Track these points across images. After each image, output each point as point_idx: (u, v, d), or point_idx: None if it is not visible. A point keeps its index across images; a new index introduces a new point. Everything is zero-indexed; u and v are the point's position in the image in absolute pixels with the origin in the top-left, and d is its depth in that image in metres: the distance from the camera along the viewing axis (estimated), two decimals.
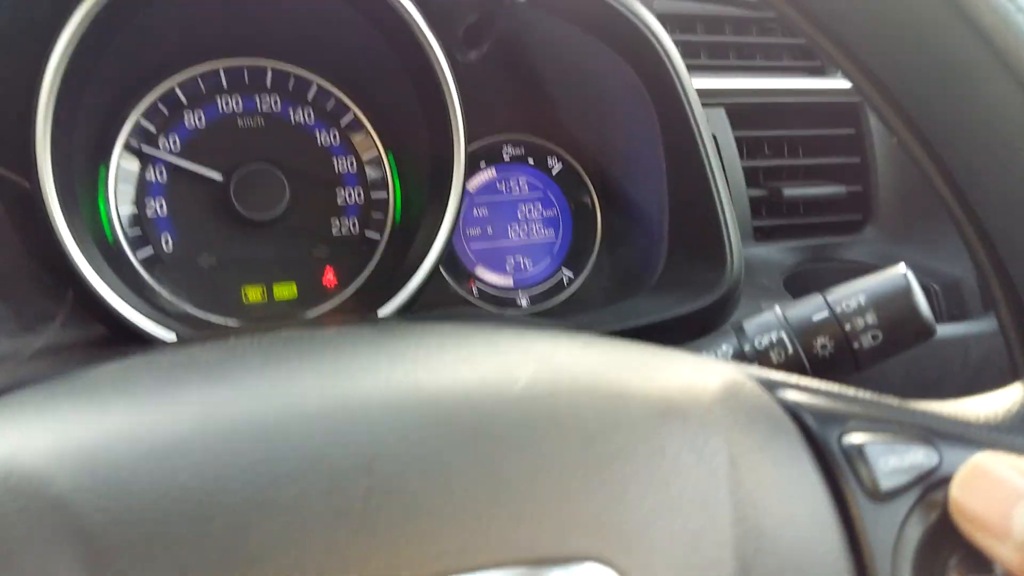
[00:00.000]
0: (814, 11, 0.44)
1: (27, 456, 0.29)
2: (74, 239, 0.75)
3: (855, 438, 0.38)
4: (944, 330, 0.91)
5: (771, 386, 0.41)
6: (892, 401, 0.43)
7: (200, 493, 0.27)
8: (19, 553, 0.26)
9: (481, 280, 1.02)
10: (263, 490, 0.28)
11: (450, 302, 0.98)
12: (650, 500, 0.33)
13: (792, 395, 0.41)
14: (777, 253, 1.00)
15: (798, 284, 0.97)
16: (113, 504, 0.27)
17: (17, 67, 0.77)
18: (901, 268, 0.63)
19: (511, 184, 1.04)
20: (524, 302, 1.02)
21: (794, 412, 0.40)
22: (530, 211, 1.05)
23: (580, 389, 0.35)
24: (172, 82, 0.89)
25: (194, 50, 0.89)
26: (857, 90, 0.45)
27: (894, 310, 0.61)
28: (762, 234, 1.01)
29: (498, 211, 1.04)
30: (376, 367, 0.34)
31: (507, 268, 1.04)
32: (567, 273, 1.04)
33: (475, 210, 1.03)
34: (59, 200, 0.74)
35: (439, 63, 0.82)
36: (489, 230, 1.03)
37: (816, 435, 0.39)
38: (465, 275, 1.01)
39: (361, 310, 0.91)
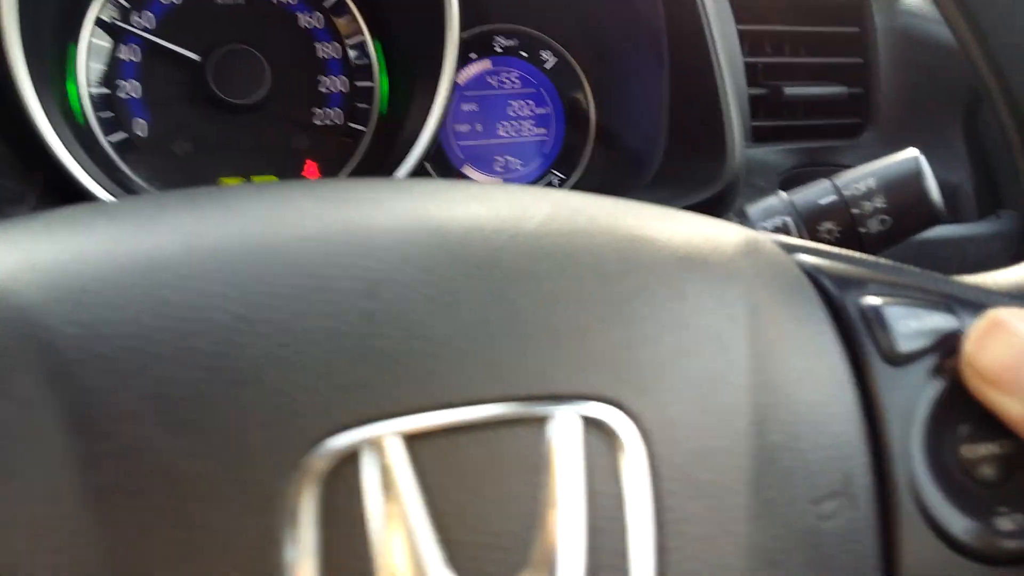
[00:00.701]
0: None
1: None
2: (46, 119, 0.71)
3: (874, 300, 0.37)
4: (942, 231, 0.89)
5: (790, 249, 0.39)
6: (913, 269, 0.41)
7: (184, 308, 0.25)
8: None
9: (469, 179, 0.99)
10: (254, 307, 0.25)
11: None
12: (667, 342, 0.31)
13: (811, 259, 0.39)
14: (773, 155, 0.97)
15: (794, 186, 0.95)
16: (84, 316, 0.24)
17: None
18: (913, 152, 0.61)
19: (502, 78, 1.00)
20: None
21: (812, 274, 0.38)
22: (521, 108, 1.01)
23: (598, 229, 0.32)
24: None
25: None
26: None
27: (904, 194, 0.59)
28: (759, 135, 0.97)
29: (488, 107, 1.00)
30: (380, 197, 0.32)
31: (496, 167, 1.00)
32: (558, 174, 1.01)
33: (464, 105, 0.99)
34: (29, 77, 0.69)
35: None
36: (478, 127, 1.00)
37: (834, 297, 0.37)
38: (453, 173, 0.98)
39: None
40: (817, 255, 0.40)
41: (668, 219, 0.37)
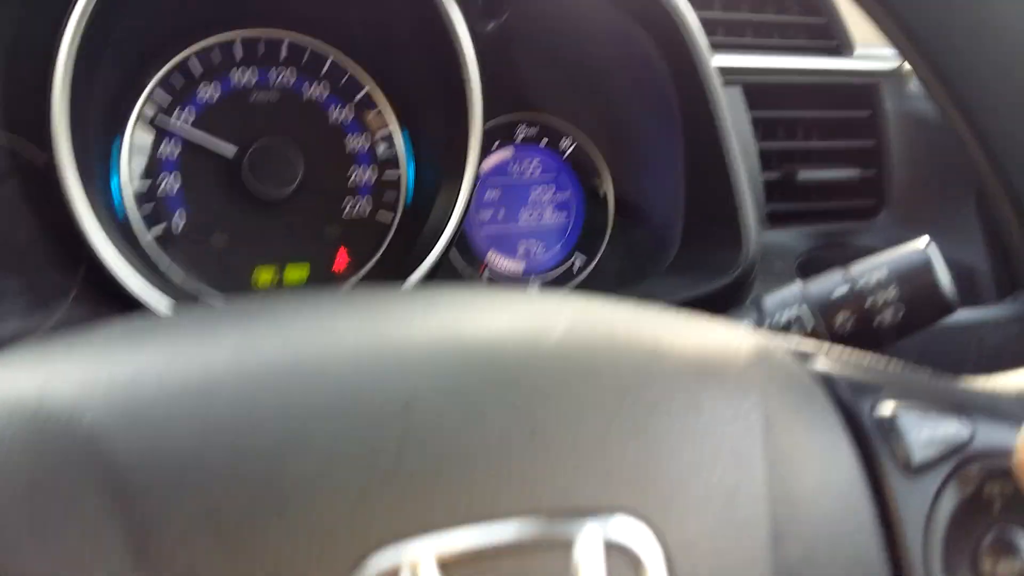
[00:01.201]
0: None
1: (58, 390, 0.28)
2: (90, 215, 0.74)
3: (888, 409, 0.38)
4: (959, 316, 0.90)
5: (804, 357, 0.40)
6: (924, 374, 0.42)
7: (233, 431, 0.27)
8: (47, 486, 0.26)
9: (493, 265, 1.02)
10: (297, 429, 0.27)
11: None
12: (686, 454, 0.32)
13: (824, 365, 0.40)
14: (790, 238, 1.00)
15: (812, 270, 0.96)
16: (144, 440, 0.26)
17: (34, 37, 0.76)
18: (923, 241, 0.62)
19: (524, 166, 1.04)
20: (536, 287, 1.02)
21: (827, 382, 0.39)
22: (543, 194, 1.04)
23: (616, 342, 0.34)
24: (187, 52, 0.88)
25: (210, 20, 0.88)
26: (899, 52, 0.44)
27: (916, 284, 0.60)
28: (775, 219, 1.00)
29: (510, 194, 1.03)
30: (412, 315, 0.34)
31: (519, 253, 1.03)
32: (580, 258, 1.03)
33: (487, 192, 1.02)
34: (76, 174, 0.73)
35: (458, 31, 0.81)
36: (501, 213, 1.03)
37: (848, 405, 0.38)
38: (476, 260, 1.01)
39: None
40: (830, 360, 0.41)
41: (684, 328, 0.39)
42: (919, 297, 0.60)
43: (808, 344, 0.43)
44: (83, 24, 0.70)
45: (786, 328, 0.62)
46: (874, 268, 0.61)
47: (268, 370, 0.29)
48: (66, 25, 0.69)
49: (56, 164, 0.73)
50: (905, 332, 0.61)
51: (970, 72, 0.41)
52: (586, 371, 0.32)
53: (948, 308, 0.61)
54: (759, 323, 0.63)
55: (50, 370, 0.30)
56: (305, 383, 0.29)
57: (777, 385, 0.37)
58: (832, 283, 0.62)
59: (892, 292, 0.60)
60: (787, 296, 0.63)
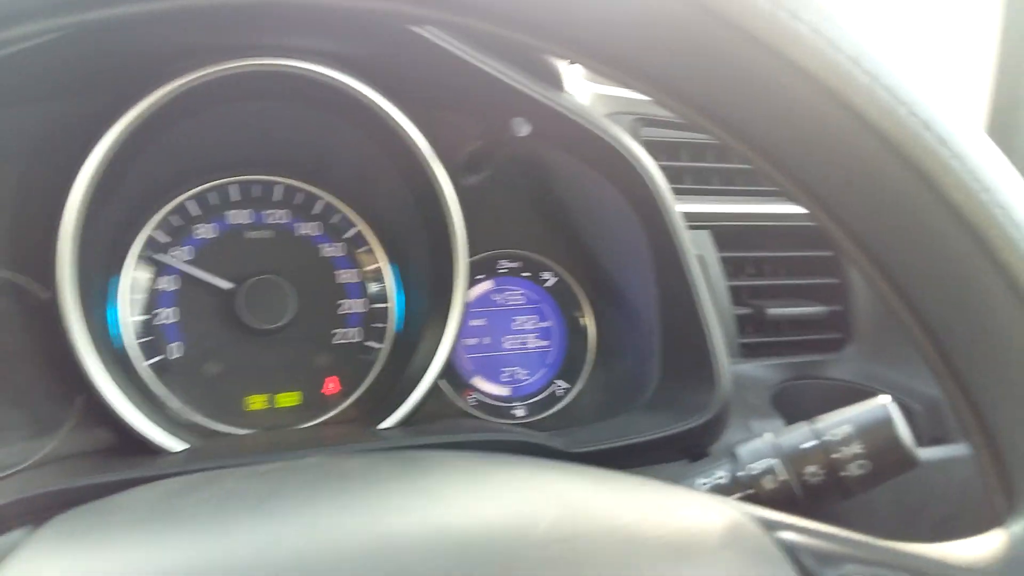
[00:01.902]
0: (787, 167, 0.47)
1: None
2: (89, 349, 0.77)
3: None
4: (926, 454, 0.94)
5: (771, 526, 0.44)
6: (884, 544, 0.46)
7: None
8: None
9: (478, 390, 1.05)
10: None
11: (448, 412, 1.00)
12: None
13: (790, 535, 0.43)
14: (763, 370, 1.04)
15: (784, 401, 1.01)
16: None
17: (43, 183, 0.81)
18: (884, 400, 0.67)
19: (507, 296, 1.08)
20: (520, 412, 1.05)
21: (793, 553, 0.42)
22: (525, 322, 1.09)
23: (599, 532, 0.37)
24: (186, 195, 0.93)
25: (208, 166, 0.93)
26: (841, 250, 0.48)
27: (879, 441, 0.64)
28: (748, 350, 1.05)
29: (494, 322, 1.07)
30: (402, 506, 0.37)
31: (503, 378, 1.07)
32: (561, 384, 1.07)
33: (472, 320, 1.06)
34: (78, 310, 0.76)
35: (442, 187, 0.87)
36: (486, 340, 1.07)
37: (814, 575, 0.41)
38: (463, 385, 1.04)
39: (363, 420, 0.94)
40: (795, 531, 0.44)
41: (661, 508, 0.42)
42: (883, 452, 0.64)
43: (776, 513, 0.46)
44: (96, 174, 0.74)
45: (759, 478, 0.65)
46: (839, 423, 0.65)
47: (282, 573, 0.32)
48: (79, 174, 0.74)
49: (59, 301, 0.76)
50: (871, 484, 0.65)
51: (901, 259, 0.45)
52: (572, 564, 0.35)
53: (911, 463, 0.65)
54: (734, 472, 0.66)
55: (87, 573, 0.33)
56: None
57: (748, 560, 0.40)
58: (801, 436, 0.66)
59: (857, 447, 0.64)
60: (760, 447, 0.67)
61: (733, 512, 0.44)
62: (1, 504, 0.68)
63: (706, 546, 0.40)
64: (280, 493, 0.39)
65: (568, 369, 1.08)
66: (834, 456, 0.64)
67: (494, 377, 1.06)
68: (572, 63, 0.88)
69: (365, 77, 0.81)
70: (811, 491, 0.65)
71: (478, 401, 1.05)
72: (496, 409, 1.05)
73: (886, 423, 0.65)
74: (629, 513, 0.41)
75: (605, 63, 0.43)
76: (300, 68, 0.77)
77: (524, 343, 1.08)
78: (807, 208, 0.46)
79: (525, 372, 1.08)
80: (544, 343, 1.09)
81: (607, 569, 0.37)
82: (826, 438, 0.65)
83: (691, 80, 0.43)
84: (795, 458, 0.65)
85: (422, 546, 0.35)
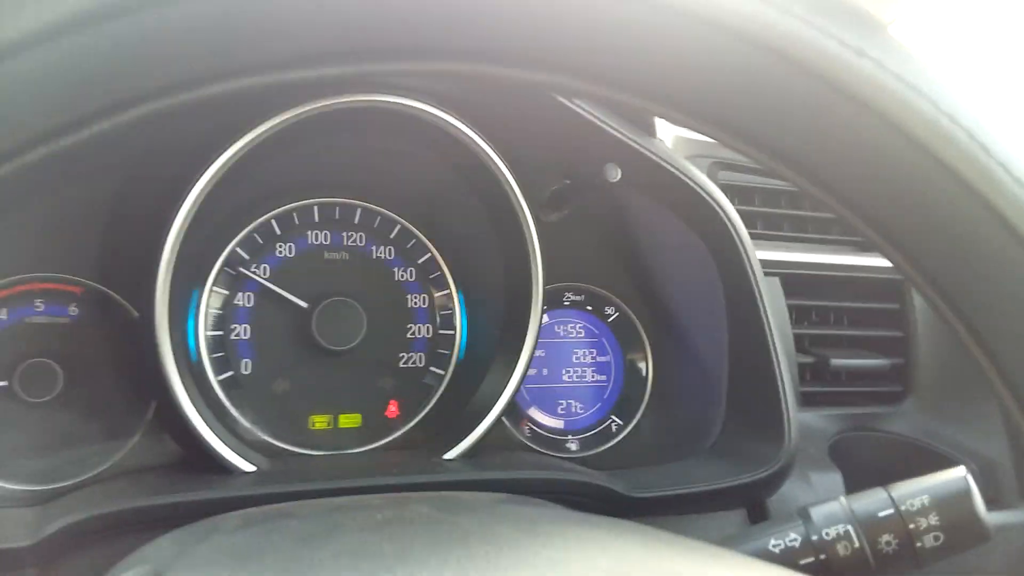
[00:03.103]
0: (855, 203, 0.46)
1: None
2: (171, 364, 0.79)
3: None
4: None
5: None
6: None
7: None
8: None
9: (534, 421, 1.06)
10: None
11: (505, 443, 1.01)
12: None
13: None
14: (819, 420, 1.04)
15: (841, 453, 1.01)
16: None
17: (138, 203, 0.83)
18: (961, 471, 0.67)
19: (568, 328, 1.09)
20: (574, 446, 1.06)
21: None
22: (584, 356, 1.09)
23: None
24: (269, 215, 0.95)
25: (293, 187, 0.95)
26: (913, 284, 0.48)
27: (956, 514, 0.64)
28: (806, 399, 1.05)
29: (554, 353, 1.08)
30: None
31: (558, 411, 1.08)
32: (616, 421, 1.08)
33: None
34: (167, 327, 0.78)
35: (527, 222, 0.88)
36: (544, 371, 1.08)
37: None
38: (519, 415, 1.05)
39: (423, 446, 0.95)
40: None
41: None
42: (959, 525, 0.64)
43: None
44: (197, 201, 0.76)
45: (833, 543, 0.66)
46: (917, 493, 0.65)
47: None
48: (184, 201, 0.76)
49: (152, 320, 0.78)
50: (944, 556, 0.65)
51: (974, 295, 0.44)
52: None
53: (986, 537, 0.65)
54: (807, 535, 0.67)
55: None
56: None
57: None
58: (877, 503, 0.66)
59: (934, 519, 0.64)
60: (834, 512, 0.67)
61: None
62: (82, 519, 0.71)
63: None
64: (412, 554, 0.39)
65: (624, 406, 1.08)
66: (910, 527, 0.64)
67: (550, 409, 1.07)
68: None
69: (458, 112, 0.82)
70: (884, 560, 0.65)
71: (533, 432, 1.05)
72: (550, 441, 1.06)
73: (965, 496, 0.65)
74: None
75: (682, 111, 0.43)
76: (398, 104, 0.79)
77: (582, 376, 1.09)
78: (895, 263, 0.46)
79: (580, 406, 1.08)
80: (602, 378, 1.09)
81: None
82: (903, 508, 0.65)
83: (774, 129, 0.43)
84: (870, 526, 0.65)
85: None
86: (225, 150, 0.74)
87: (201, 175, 0.75)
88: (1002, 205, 0.41)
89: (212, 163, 0.74)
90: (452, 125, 0.82)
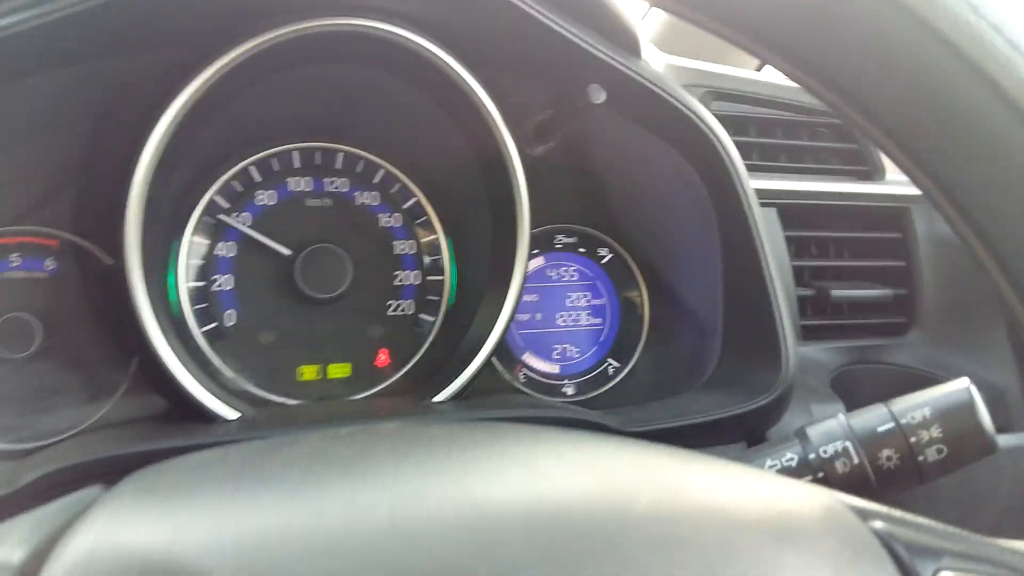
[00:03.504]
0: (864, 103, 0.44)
1: (185, 549, 0.30)
2: (149, 315, 0.77)
3: (948, 574, 0.39)
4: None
5: (865, 515, 0.42)
6: (983, 539, 0.43)
7: None
8: None
9: (528, 366, 1.04)
10: None
11: (498, 388, 0.99)
12: None
13: (885, 525, 0.41)
14: (822, 353, 1.02)
15: (844, 386, 0.99)
16: None
17: (108, 152, 0.80)
18: (964, 382, 0.64)
19: (561, 271, 1.07)
20: (570, 390, 1.04)
21: (888, 544, 0.40)
22: (578, 299, 1.07)
23: (699, 512, 0.36)
24: (248, 161, 0.92)
25: (271, 132, 0.93)
26: (924, 193, 0.45)
27: (959, 425, 0.62)
28: (808, 332, 1.02)
29: (547, 298, 1.06)
30: (497, 475, 0.36)
31: (554, 355, 1.05)
32: (613, 363, 1.05)
33: (525, 296, 1.04)
34: (141, 276, 0.76)
35: (510, 156, 0.85)
36: (538, 316, 1.05)
37: (909, 567, 0.39)
38: (513, 361, 1.03)
39: (414, 394, 0.93)
40: (890, 521, 0.42)
41: (760, 489, 0.40)
42: (963, 437, 0.62)
43: (871, 504, 0.44)
44: (164, 139, 0.73)
45: (831, 461, 0.63)
46: (918, 406, 0.63)
47: (370, 533, 0.31)
48: (148, 139, 0.73)
49: (124, 267, 0.76)
50: (947, 470, 0.63)
51: (991, 209, 0.42)
52: (673, 544, 0.34)
53: (991, 448, 0.62)
54: (804, 454, 0.64)
55: (175, 526, 0.32)
56: (407, 552, 0.31)
57: (845, 548, 0.38)
58: (876, 418, 0.63)
59: (936, 431, 0.62)
60: (832, 429, 0.64)
61: (828, 499, 0.42)
62: (61, 467, 0.69)
63: (805, 532, 0.38)
64: (369, 456, 0.37)
65: (620, 348, 1.06)
66: (912, 440, 0.62)
67: (545, 354, 1.05)
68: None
69: (438, 39, 0.79)
70: (885, 476, 0.63)
71: (528, 377, 1.03)
72: (546, 386, 1.03)
73: (968, 407, 0.62)
74: (727, 496, 0.39)
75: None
76: (376, 28, 0.75)
77: (577, 320, 1.07)
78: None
79: (576, 350, 1.06)
80: (597, 321, 1.07)
81: (709, 551, 0.35)
82: (904, 421, 0.63)
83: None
84: (870, 441, 0.63)
85: (521, 517, 0.33)
86: (188, 84, 0.72)
87: (166, 110, 0.72)
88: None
89: (175, 99, 0.72)
90: (428, 51, 0.79)
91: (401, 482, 0.35)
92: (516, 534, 0.32)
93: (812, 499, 0.41)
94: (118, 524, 0.33)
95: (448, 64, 0.81)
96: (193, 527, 0.32)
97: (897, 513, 0.43)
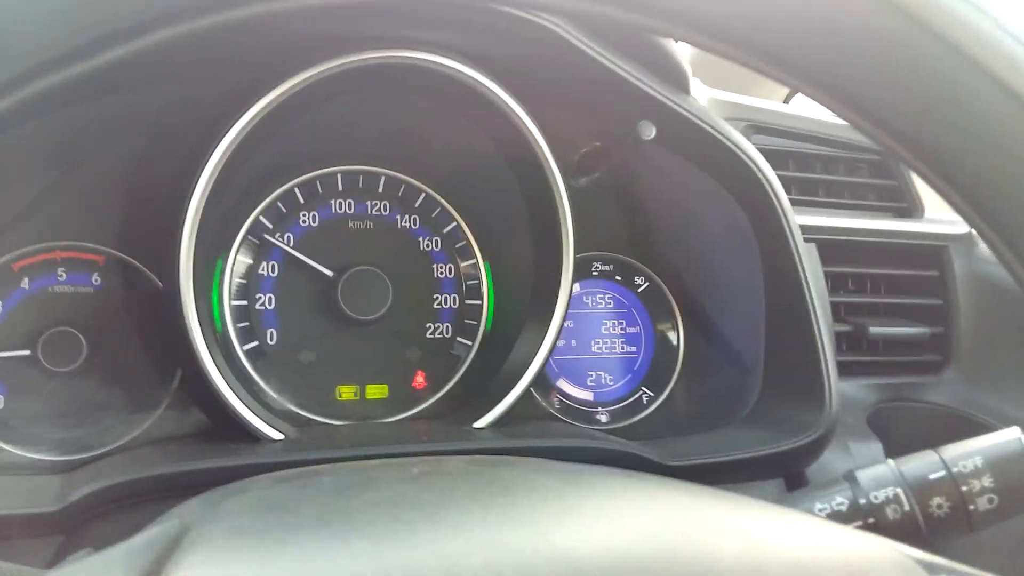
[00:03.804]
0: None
1: None
2: (198, 334, 0.77)
3: None
4: None
5: (932, 569, 0.42)
6: None
7: None
8: None
9: (563, 393, 1.04)
10: None
11: (534, 414, 0.99)
12: None
13: None
14: (857, 390, 1.01)
15: (879, 423, 0.98)
16: None
17: (159, 169, 0.81)
18: (1016, 432, 0.64)
19: (597, 299, 1.07)
20: (604, 418, 1.04)
21: None
22: (613, 327, 1.07)
23: (780, 566, 0.36)
24: (294, 182, 0.93)
25: (317, 155, 0.93)
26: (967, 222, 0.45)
27: (1011, 475, 0.62)
28: (843, 369, 1.02)
29: (583, 324, 1.06)
30: (583, 527, 0.36)
31: (588, 382, 1.05)
32: (647, 392, 1.05)
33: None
34: (192, 296, 0.77)
35: (558, 188, 0.86)
36: (573, 343, 1.06)
37: None
38: (548, 387, 1.03)
39: (450, 417, 0.93)
40: (954, 575, 0.42)
41: (833, 543, 0.40)
42: (1014, 487, 0.61)
43: (935, 557, 0.44)
44: (219, 165, 0.74)
45: (882, 507, 0.63)
46: (969, 455, 0.63)
47: None
48: (205, 165, 0.74)
49: (176, 289, 0.76)
50: (998, 519, 0.62)
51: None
52: None
53: None
54: (855, 499, 0.64)
55: None
56: None
57: None
58: (928, 466, 0.63)
59: (988, 481, 0.61)
60: (883, 474, 0.64)
61: (895, 554, 0.42)
62: (111, 484, 0.69)
63: None
64: (452, 503, 0.38)
65: (655, 377, 1.06)
66: (964, 489, 0.62)
67: (579, 381, 1.05)
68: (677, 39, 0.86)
69: (488, 71, 0.79)
70: (935, 524, 0.63)
71: (562, 404, 1.03)
72: (580, 413, 1.04)
73: (1020, 457, 0.62)
74: (807, 547, 0.39)
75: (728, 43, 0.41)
76: (427, 61, 0.76)
77: (611, 348, 1.07)
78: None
79: (610, 378, 1.06)
80: (631, 349, 1.07)
81: None
82: (956, 470, 0.62)
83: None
84: (921, 488, 0.63)
85: (608, 570, 0.34)
86: (245, 112, 0.72)
87: (221, 139, 0.73)
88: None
89: (232, 126, 0.73)
90: (480, 83, 0.79)
91: (489, 532, 0.35)
92: None
93: (882, 553, 0.41)
94: (215, 570, 0.34)
95: (497, 95, 0.82)
96: None
97: (961, 567, 0.43)
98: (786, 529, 0.41)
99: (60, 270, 0.85)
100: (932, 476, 0.63)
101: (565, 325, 1.04)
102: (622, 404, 1.05)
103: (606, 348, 1.07)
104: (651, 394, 1.05)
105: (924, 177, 0.43)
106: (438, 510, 0.36)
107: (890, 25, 0.38)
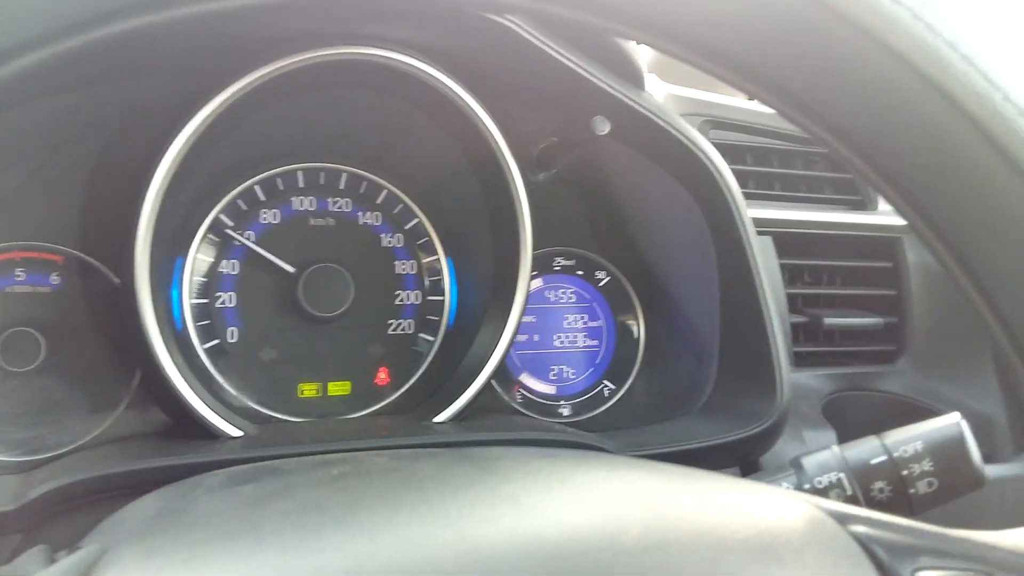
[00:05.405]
0: (858, 146, 0.45)
1: None
2: (156, 332, 0.78)
3: (925, 573, 0.41)
4: None
5: (844, 520, 0.43)
6: (958, 534, 0.45)
7: None
8: None
9: (525, 387, 1.05)
10: None
11: (496, 408, 1.00)
12: None
13: (863, 529, 0.43)
14: (813, 379, 1.04)
15: (835, 412, 1.00)
16: None
17: (117, 167, 0.81)
18: (955, 417, 0.66)
19: (559, 293, 1.08)
20: (566, 411, 1.05)
21: (867, 547, 0.42)
22: (575, 321, 1.08)
23: (688, 536, 0.37)
24: (254, 180, 0.93)
25: (276, 152, 0.94)
26: (911, 227, 0.47)
27: (950, 459, 0.64)
28: (799, 359, 1.04)
29: (545, 319, 1.07)
30: (488, 515, 0.37)
31: (550, 376, 1.07)
32: (609, 385, 1.07)
33: (523, 317, 1.06)
34: (148, 294, 0.77)
35: (515, 183, 0.87)
36: (535, 337, 1.07)
37: (888, 567, 0.41)
38: (510, 381, 1.04)
39: (412, 413, 0.94)
40: (868, 524, 0.44)
41: (743, 507, 0.42)
42: (953, 471, 0.64)
43: (849, 506, 0.46)
44: (176, 161, 0.74)
45: (825, 491, 0.65)
46: (910, 440, 0.65)
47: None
48: (160, 161, 0.74)
49: (133, 286, 0.77)
50: (938, 502, 0.64)
51: (971, 236, 0.43)
52: (666, 569, 0.35)
53: (980, 482, 0.64)
54: (799, 484, 0.66)
55: None
56: None
57: (826, 556, 0.40)
58: (869, 451, 0.65)
59: (927, 465, 0.63)
60: (827, 460, 0.66)
61: (809, 507, 0.43)
62: (67, 483, 0.69)
63: (790, 545, 0.40)
64: (362, 504, 0.39)
65: (616, 370, 1.07)
66: (903, 473, 0.64)
67: (542, 375, 1.06)
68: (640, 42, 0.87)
69: (446, 67, 0.80)
70: (877, 507, 0.64)
71: (524, 398, 1.05)
72: (542, 407, 1.05)
73: (958, 441, 0.64)
74: (714, 514, 0.41)
75: (683, 45, 0.42)
76: (384, 57, 0.77)
77: (574, 342, 1.08)
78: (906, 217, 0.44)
79: (572, 371, 1.08)
80: (593, 343, 1.09)
81: (700, 570, 0.37)
82: (896, 454, 0.64)
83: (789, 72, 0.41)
84: (863, 473, 0.65)
85: (515, 557, 0.35)
86: (201, 108, 0.73)
87: (177, 135, 0.73)
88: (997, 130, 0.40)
89: (188, 122, 0.73)
90: (437, 80, 0.80)
91: (394, 531, 0.36)
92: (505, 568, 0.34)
93: (794, 509, 0.42)
94: None
95: (454, 92, 0.82)
96: None
97: (875, 515, 0.44)
98: (702, 492, 0.42)
99: (18, 270, 0.85)
100: (874, 461, 0.65)
101: (528, 320, 1.06)
102: (584, 397, 1.07)
103: (568, 342, 1.08)
104: (613, 387, 1.07)
105: (848, 162, 0.44)
106: (347, 513, 0.37)
107: (808, 15, 0.39)
